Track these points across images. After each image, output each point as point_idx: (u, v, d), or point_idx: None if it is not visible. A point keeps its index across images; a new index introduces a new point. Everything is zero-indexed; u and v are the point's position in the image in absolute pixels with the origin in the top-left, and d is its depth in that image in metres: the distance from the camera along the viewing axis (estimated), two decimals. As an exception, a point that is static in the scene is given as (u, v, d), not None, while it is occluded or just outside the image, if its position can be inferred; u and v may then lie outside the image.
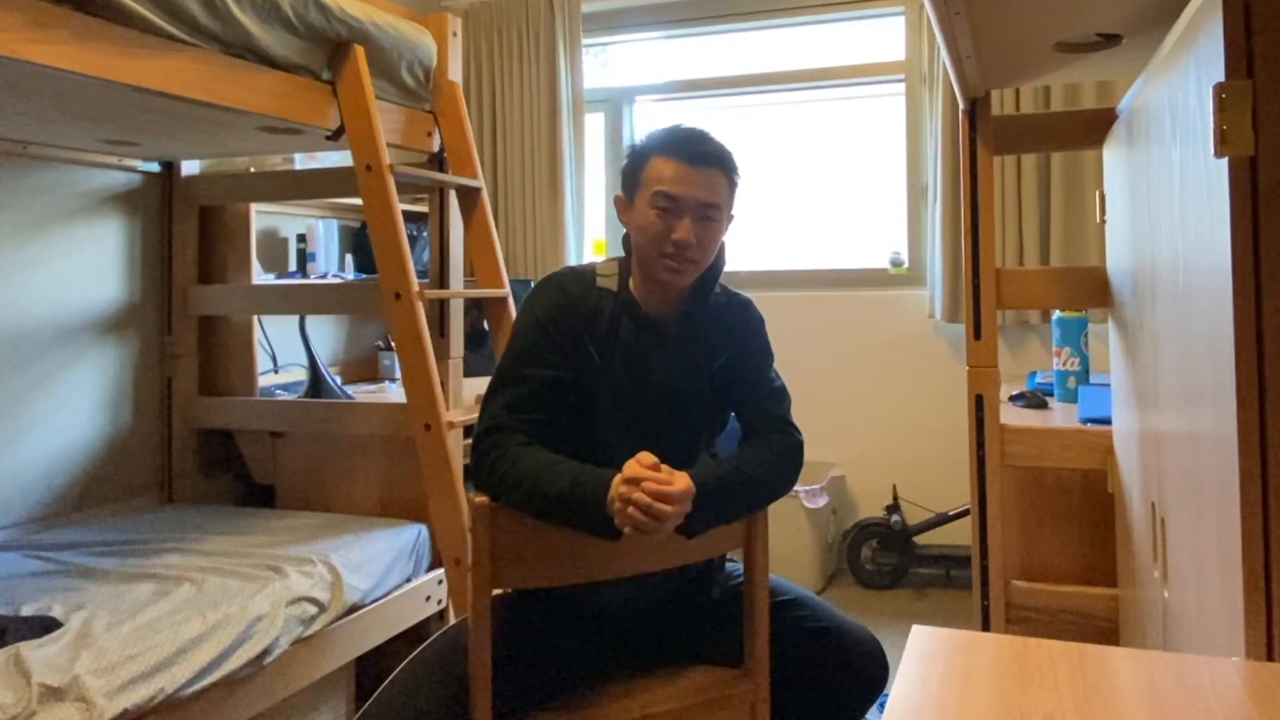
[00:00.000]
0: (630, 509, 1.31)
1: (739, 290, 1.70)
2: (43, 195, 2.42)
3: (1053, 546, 2.18)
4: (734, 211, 1.59)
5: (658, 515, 1.31)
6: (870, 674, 1.54)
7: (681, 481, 1.35)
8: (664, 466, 1.36)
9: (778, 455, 1.52)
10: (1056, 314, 2.36)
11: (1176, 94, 1.12)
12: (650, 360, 1.55)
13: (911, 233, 3.69)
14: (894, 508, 3.46)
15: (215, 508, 2.65)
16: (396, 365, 3.20)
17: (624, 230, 1.61)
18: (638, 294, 1.57)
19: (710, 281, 1.59)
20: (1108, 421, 1.98)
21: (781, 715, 1.55)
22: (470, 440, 1.52)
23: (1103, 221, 1.99)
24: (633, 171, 1.55)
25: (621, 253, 1.63)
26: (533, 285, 1.59)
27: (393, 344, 2.77)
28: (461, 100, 2.58)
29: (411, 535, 2.41)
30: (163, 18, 1.71)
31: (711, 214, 1.51)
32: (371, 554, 2.24)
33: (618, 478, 1.35)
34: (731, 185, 1.56)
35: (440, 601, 2.45)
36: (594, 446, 1.51)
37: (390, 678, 1.45)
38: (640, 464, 1.34)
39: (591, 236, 4.09)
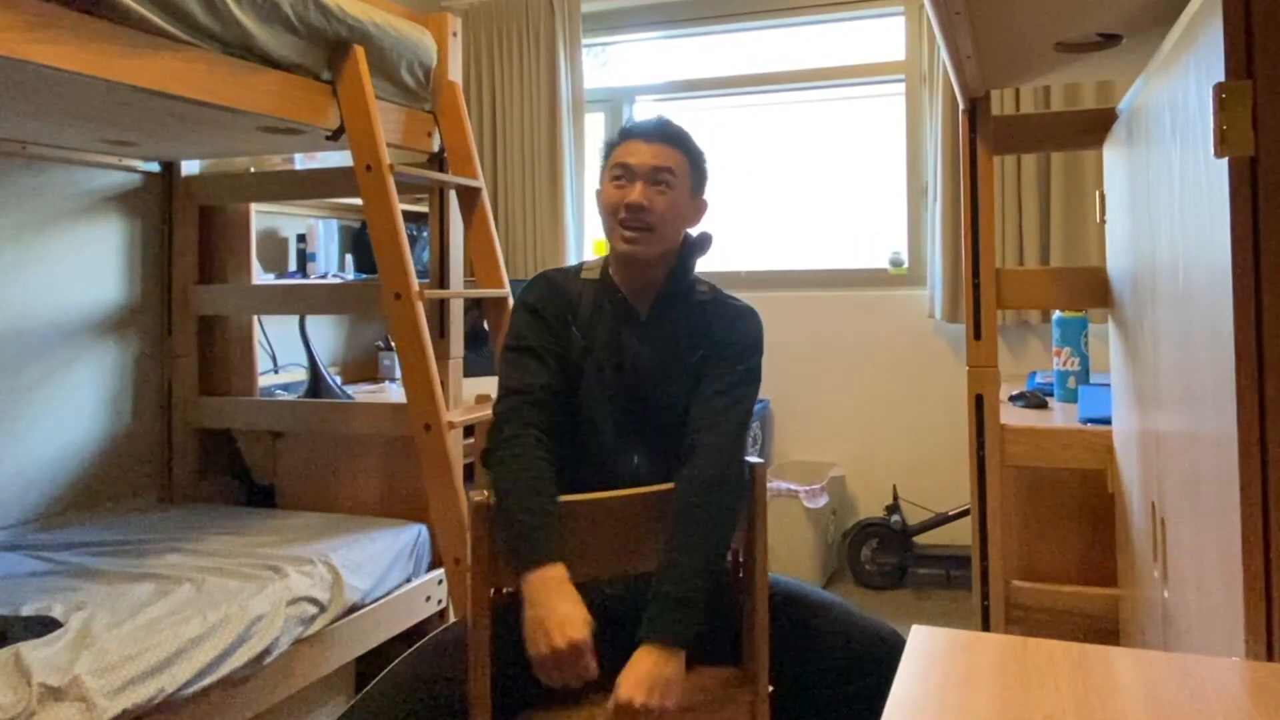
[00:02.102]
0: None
1: (741, 296, 1.70)
2: (43, 195, 2.42)
3: (1053, 546, 2.18)
4: (706, 197, 1.66)
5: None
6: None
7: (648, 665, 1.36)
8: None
9: (717, 508, 1.44)
10: (1056, 314, 2.36)
11: (1176, 94, 1.12)
12: (624, 339, 1.60)
13: (911, 233, 3.69)
14: (894, 508, 3.46)
15: (215, 508, 2.65)
16: (396, 365, 3.20)
17: None
18: (615, 279, 1.64)
19: (683, 266, 1.62)
20: (1108, 421, 1.98)
21: (792, 716, 1.56)
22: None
23: (1103, 221, 1.99)
24: (603, 162, 1.65)
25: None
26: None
27: (393, 344, 2.78)
28: (461, 100, 2.58)
29: (411, 535, 2.41)
30: (163, 18, 1.71)
31: (664, 179, 1.55)
32: (371, 554, 2.24)
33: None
34: (691, 162, 1.61)
35: (440, 601, 2.45)
36: (579, 421, 1.57)
37: (383, 673, 1.45)
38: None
39: (592, 236, 4.08)
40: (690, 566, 1.39)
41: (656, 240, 1.56)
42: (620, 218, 1.55)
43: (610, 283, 1.63)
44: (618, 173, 1.57)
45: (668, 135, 1.59)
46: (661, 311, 1.62)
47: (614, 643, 1.60)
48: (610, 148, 1.63)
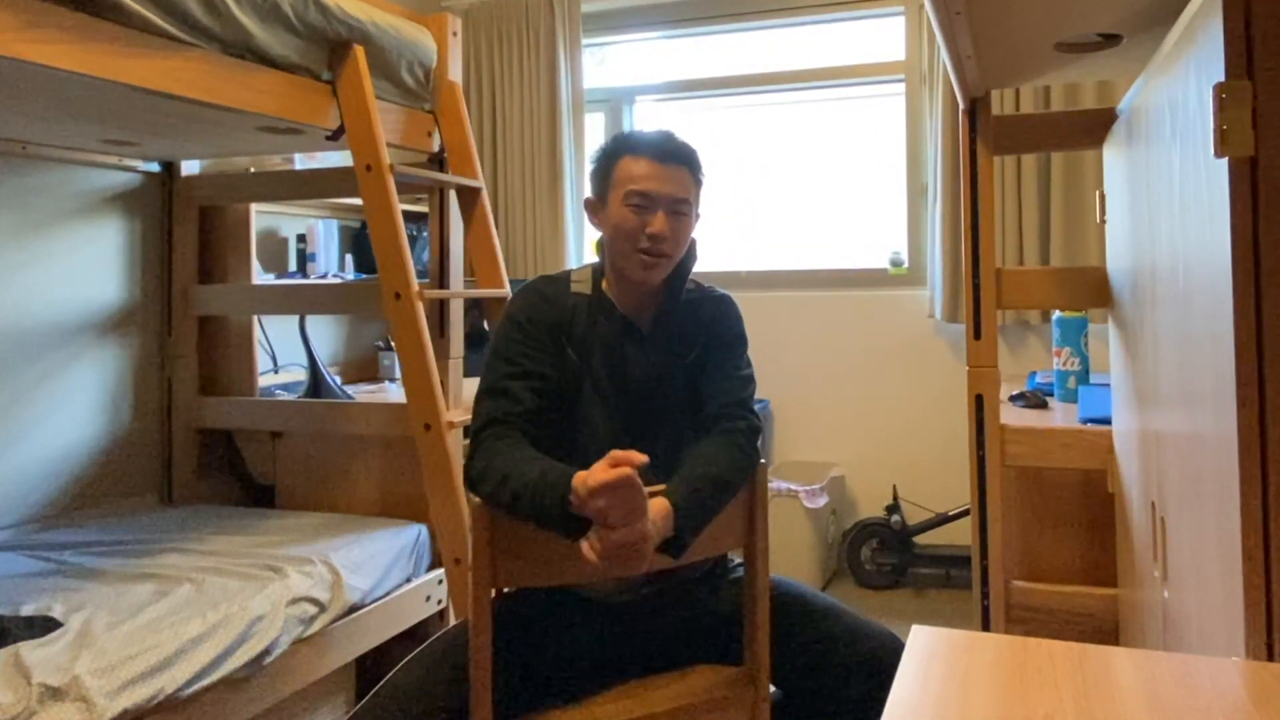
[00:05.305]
0: (604, 549, 1.27)
1: (727, 289, 1.74)
2: (43, 195, 2.42)
3: (1053, 546, 2.18)
4: (700, 211, 1.64)
5: (634, 559, 1.29)
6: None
7: (658, 506, 1.34)
8: (634, 457, 1.27)
9: (735, 446, 1.49)
10: (1056, 314, 2.36)
11: (1176, 94, 1.12)
12: (628, 357, 1.58)
13: (911, 233, 3.69)
14: (894, 508, 3.46)
15: (215, 508, 2.65)
16: (396, 365, 3.20)
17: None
18: (612, 295, 1.61)
19: (681, 279, 1.63)
20: (1108, 421, 1.98)
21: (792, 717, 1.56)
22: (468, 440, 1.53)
23: (1103, 221, 1.99)
24: (602, 173, 1.59)
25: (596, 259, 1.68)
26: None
27: (393, 344, 2.78)
28: (461, 100, 2.58)
29: (411, 535, 2.41)
30: (163, 18, 1.71)
31: (682, 209, 1.56)
32: (371, 554, 2.24)
33: (585, 481, 1.27)
34: (697, 183, 1.60)
35: (440, 601, 2.45)
36: (578, 443, 1.54)
37: (388, 676, 1.45)
38: (610, 466, 1.26)
39: (591, 237, 4.08)
40: (701, 477, 1.42)
41: (670, 264, 1.57)
42: (641, 247, 1.53)
43: (604, 299, 1.60)
44: (636, 200, 1.52)
45: (680, 157, 1.55)
46: (662, 321, 1.62)
47: (633, 646, 1.59)
48: (611, 159, 1.57)
